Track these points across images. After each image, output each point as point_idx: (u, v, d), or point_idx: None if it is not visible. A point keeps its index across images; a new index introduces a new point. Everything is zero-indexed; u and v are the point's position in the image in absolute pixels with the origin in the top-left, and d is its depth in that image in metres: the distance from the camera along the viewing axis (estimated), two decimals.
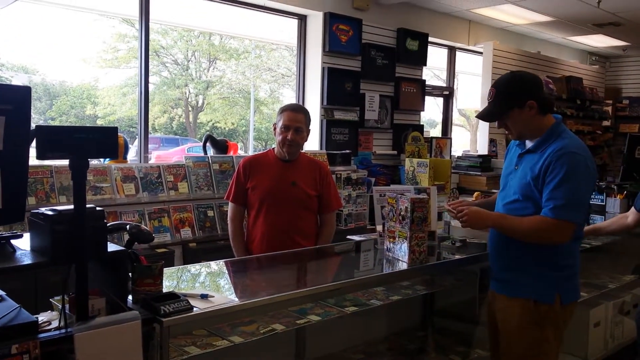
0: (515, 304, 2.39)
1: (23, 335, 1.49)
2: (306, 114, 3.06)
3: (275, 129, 3.04)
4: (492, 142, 6.82)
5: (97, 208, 1.71)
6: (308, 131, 3.07)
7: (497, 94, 2.36)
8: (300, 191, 3.01)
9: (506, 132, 2.47)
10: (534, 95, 2.31)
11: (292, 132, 2.95)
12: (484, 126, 6.92)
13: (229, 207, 3.13)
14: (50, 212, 1.62)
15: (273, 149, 3.12)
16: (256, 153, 3.32)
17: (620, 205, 4.32)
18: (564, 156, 2.22)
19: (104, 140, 1.63)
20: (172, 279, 2.29)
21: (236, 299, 2.01)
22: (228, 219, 3.13)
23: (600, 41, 8.00)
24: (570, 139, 2.31)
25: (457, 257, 2.75)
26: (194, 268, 2.65)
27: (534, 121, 2.33)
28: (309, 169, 3.09)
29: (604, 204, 4.45)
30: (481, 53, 6.90)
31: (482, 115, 2.45)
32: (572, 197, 2.20)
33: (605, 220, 3.75)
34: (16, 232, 1.78)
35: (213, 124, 13.92)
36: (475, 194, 4.64)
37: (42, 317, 1.69)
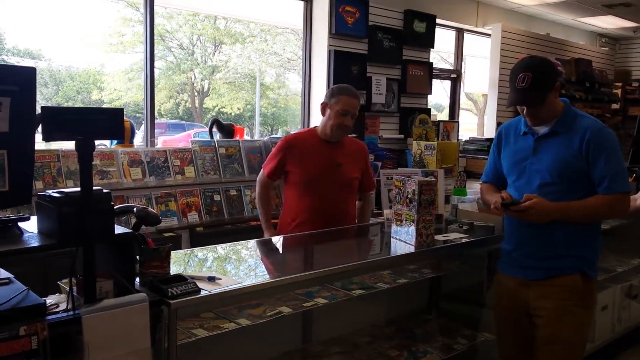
0: (560, 286, 2.34)
1: (31, 317, 1.49)
2: (359, 99, 3.03)
3: (324, 108, 2.96)
4: (499, 125, 6.76)
5: (104, 190, 1.71)
6: None
7: (535, 79, 2.24)
8: (344, 173, 3.00)
9: (527, 117, 2.36)
10: (558, 76, 2.35)
11: (349, 118, 2.92)
12: (491, 110, 6.85)
13: (263, 177, 3.08)
14: (57, 194, 1.62)
15: (315, 127, 3.06)
16: (299, 131, 3.32)
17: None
18: (599, 133, 2.26)
19: (110, 121, 1.62)
20: (180, 262, 2.29)
21: (243, 282, 2.01)
22: (258, 182, 3.10)
23: (610, 22, 7.88)
24: (591, 117, 2.38)
25: (464, 240, 2.74)
26: (201, 252, 2.66)
27: (555, 103, 2.35)
28: (354, 150, 3.09)
29: None
30: (489, 35, 6.82)
31: (523, 102, 2.30)
32: (620, 169, 2.27)
33: None
34: (23, 215, 1.78)
35: (219, 109, 13.88)
36: None
37: (50, 300, 1.69)
